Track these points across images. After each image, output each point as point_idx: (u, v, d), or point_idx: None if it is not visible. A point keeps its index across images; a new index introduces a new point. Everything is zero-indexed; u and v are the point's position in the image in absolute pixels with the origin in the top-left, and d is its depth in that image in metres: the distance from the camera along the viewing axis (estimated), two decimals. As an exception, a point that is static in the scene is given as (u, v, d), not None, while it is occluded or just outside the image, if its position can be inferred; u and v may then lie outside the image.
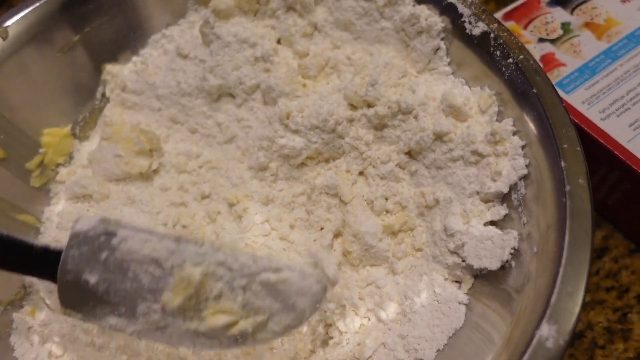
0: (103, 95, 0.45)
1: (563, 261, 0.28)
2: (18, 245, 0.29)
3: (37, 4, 0.39)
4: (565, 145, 0.32)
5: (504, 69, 0.36)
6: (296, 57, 0.43)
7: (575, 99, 0.41)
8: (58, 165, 0.43)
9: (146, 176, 0.42)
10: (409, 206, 0.39)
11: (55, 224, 0.41)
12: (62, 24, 0.40)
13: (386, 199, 0.40)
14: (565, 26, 0.45)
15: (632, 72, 0.42)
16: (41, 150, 0.41)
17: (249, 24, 0.43)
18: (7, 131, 0.39)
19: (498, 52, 0.37)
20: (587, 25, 0.45)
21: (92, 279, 0.29)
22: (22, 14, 0.39)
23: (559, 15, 0.46)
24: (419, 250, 0.39)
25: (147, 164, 0.42)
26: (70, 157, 0.43)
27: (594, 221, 0.30)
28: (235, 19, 0.43)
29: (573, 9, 0.46)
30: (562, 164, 0.31)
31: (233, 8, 0.42)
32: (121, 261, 0.29)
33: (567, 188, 0.30)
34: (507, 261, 0.33)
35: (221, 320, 0.29)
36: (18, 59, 0.39)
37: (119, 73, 0.44)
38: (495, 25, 0.37)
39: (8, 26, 0.38)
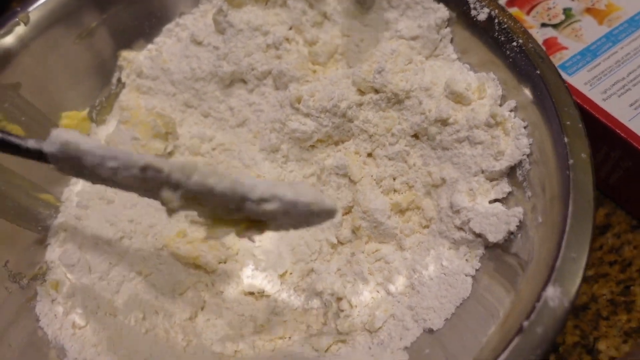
0: (119, 80, 0.46)
1: (567, 229, 0.30)
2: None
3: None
4: (568, 123, 0.33)
5: (508, 53, 0.37)
6: (306, 45, 0.44)
7: (578, 80, 0.43)
8: (76, 147, 0.44)
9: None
10: (416, 185, 0.41)
11: (74, 203, 0.42)
12: (81, 10, 0.42)
13: (394, 179, 0.41)
14: (567, 11, 0.46)
15: (633, 55, 0.43)
16: (60, 133, 0.42)
17: (260, 12, 0.44)
18: (28, 114, 0.40)
19: (502, 37, 0.38)
20: (589, 10, 0.46)
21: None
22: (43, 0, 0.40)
23: (561, 1, 0.47)
24: (426, 227, 0.40)
25: (163, 147, 0.43)
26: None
27: (595, 192, 0.31)
28: (248, 7, 0.44)
29: (575, -5, 0.47)
30: (565, 139, 0.32)
31: (245, -5, 0.44)
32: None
33: (571, 162, 0.32)
34: (512, 233, 0.35)
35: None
36: (38, 44, 0.41)
37: (135, 59, 0.46)
38: (499, 11, 0.38)
39: (29, 11, 0.40)
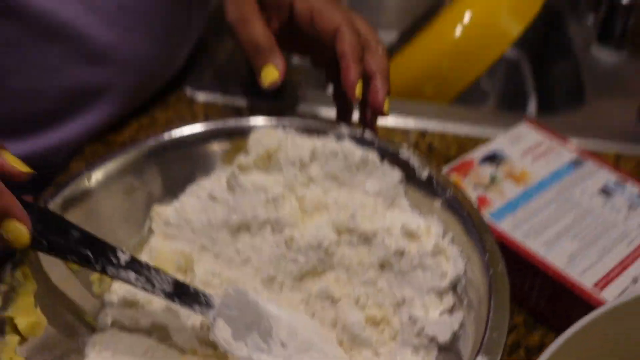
0: (149, 228, 0.58)
1: (490, 318, 0.41)
2: None
3: (117, 159, 0.55)
4: (488, 246, 0.46)
5: (444, 201, 0.51)
6: (297, 200, 0.58)
7: (504, 226, 0.56)
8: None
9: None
10: (384, 304, 0.52)
11: (109, 325, 0.52)
12: (129, 174, 0.56)
13: (367, 299, 0.52)
14: (492, 177, 0.62)
15: (544, 206, 0.58)
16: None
17: (263, 176, 0.59)
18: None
19: (439, 190, 0.52)
20: (508, 176, 0.61)
21: None
22: (106, 164, 0.55)
23: (489, 170, 0.63)
24: (394, 338, 0.50)
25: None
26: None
27: (510, 294, 0.42)
28: (253, 172, 0.59)
29: (498, 166, 0.63)
30: (486, 257, 0.45)
31: (252, 165, 0.59)
32: None
33: (491, 272, 0.44)
34: (455, 332, 0.45)
35: None
36: (95, 198, 0.54)
37: (163, 212, 0.59)
38: (436, 171, 0.53)
39: (92, 173, 0.54)
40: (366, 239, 0.53)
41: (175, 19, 0.75)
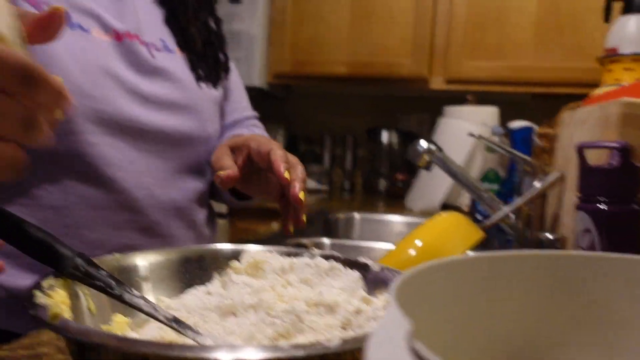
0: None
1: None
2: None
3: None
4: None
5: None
6: (277, 294, 0.72)
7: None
8: None
9: None
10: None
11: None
12: (156, 269, 0.72)
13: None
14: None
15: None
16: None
17: (250, 279, 0.74)
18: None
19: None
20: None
21: None
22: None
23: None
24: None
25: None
26: None
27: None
28: (243, 275, 0.74)
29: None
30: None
31: (242, 270, 0.75)
32: None
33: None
34: None
35: None
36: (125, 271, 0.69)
37: (166, 300, 0.72)
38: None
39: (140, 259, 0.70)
40: (331, 308, 0.67)
41: None
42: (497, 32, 2.72)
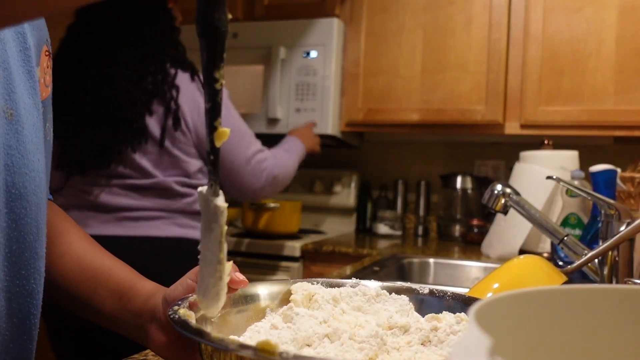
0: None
1: None
2: None
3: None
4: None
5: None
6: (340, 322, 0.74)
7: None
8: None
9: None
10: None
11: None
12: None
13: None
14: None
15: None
16: None
17: (308, 310, 0.76)
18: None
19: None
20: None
21: None
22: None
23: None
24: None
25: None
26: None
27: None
28: (301, 307, 0.76)
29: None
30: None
31: (299, 302, 0.77)
32: None
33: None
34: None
35: None
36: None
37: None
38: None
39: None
40: (405, 329, 0.67)
41: None
42: (574, 76, 2.67)
